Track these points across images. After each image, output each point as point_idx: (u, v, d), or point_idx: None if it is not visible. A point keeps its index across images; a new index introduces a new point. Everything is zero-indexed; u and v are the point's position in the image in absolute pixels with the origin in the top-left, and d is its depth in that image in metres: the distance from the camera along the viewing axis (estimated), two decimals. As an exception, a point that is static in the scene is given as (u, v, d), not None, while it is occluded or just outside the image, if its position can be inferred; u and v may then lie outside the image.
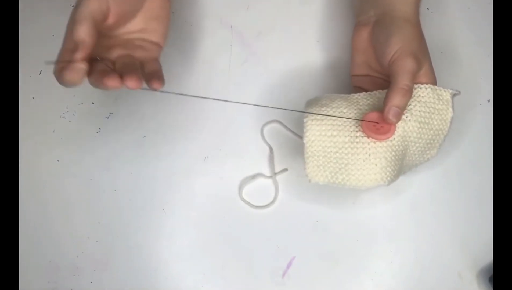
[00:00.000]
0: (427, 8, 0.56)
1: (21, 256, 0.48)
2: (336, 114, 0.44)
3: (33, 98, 0.54)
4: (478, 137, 0.53)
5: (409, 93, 0.42)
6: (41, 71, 0.54)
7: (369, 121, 0.43)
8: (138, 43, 0.45)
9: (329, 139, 0.44)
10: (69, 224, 0.52)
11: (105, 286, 0.51)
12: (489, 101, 0.54)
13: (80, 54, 0.38)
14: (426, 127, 0.45)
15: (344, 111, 0.45)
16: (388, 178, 0.44)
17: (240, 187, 0.52)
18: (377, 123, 0.43)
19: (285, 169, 0.53)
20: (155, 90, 0.41)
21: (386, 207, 0.52)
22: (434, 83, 0.45)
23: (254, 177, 0.52)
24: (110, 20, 0.42)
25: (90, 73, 0.39)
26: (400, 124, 0.43)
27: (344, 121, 0.44)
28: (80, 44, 0.38)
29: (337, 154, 0.44)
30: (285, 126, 0.53)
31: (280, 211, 0.52)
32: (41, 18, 0.56)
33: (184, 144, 0.53)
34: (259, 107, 0.54)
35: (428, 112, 0.45)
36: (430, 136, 0.46)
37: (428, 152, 0.47)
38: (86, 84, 0.55)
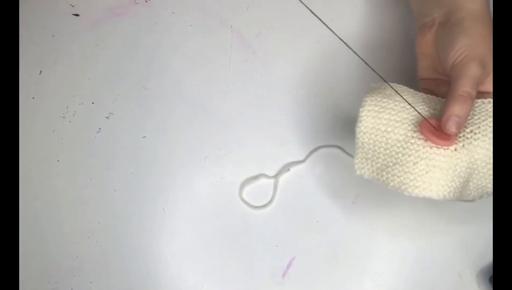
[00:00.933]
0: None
1: (21, 256, 0.48)
2: (397, 108, 0.41)
3: (33, 98, 0.54)
4: (478, 137, 0.53)
5: (470, 101, 0.38)
6: (41, 71, 0.54)
7: (429, 122, 0.39)
8: None
9: (382, 134, 0.41)
10: (69, 224, 0.52)
11: (105, 286, 0.51)
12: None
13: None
14: None
15: (407, 107, 0.41)
16: (439, 192, 0.40)
17: (241, 187, 0.52)
18: (437, 129, 0.39)
19: (287, 169, 0.53)
20: None
21: (386, 207, 0.52)
22: None
23: (256, 177, 0.52)
24: None
25: None
26: (465, 137, 0.40)
27: (403, 118, 0.41)
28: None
29: (387, 151, 0.41)
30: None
31: (280, 211, 0.52)
32: (41, 18, 0.56)
33: (184, 144, 0.53)
34: (259, 106, 0.54)
35: None
36: None
37: None
38: (86, 84, 0.55)
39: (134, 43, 0.56)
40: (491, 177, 0.41)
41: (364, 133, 0.42)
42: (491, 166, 0.41)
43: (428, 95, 0.44)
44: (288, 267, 0.51)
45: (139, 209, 0.52)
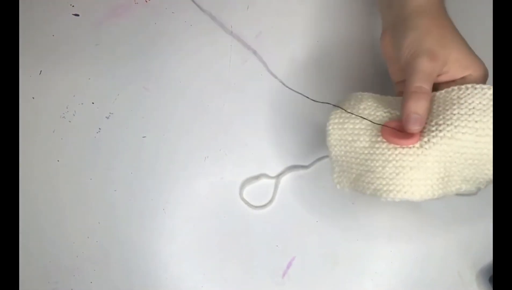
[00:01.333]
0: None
1: (21, 256, 0.48)
2: (361, 117, 0.41)
3: (33, 98, 0.54)
4: (478, 137, 0.53)
5: (424, 95, 0.38)
6: (41, 71, 0.54)
7: (388, 126, 0.39)
8: None
9: (349, 144, 0.41)
10: (69, 224, 0.52)
11: (105, 286, 0.51)
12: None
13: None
14: (478, 133, 0.38)
15: (372, 113, 0.41)
16: (415, 192, 0.38)
17: (241, 187, 0.52)
18: (400, 129, 0.39)
19: (289, 170, 0.53)
20: None
21: (386, 207, 0.52)
22: (474, 69, 0.40)
23: (257, 177, 0.53)
24: None
25: None
26: (430, 131, 0.38)
27: (367, 126, 0.41)
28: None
29: (358, 160, 0.41)
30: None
31: (280, 211, 0.52)
32: (41, 18, 0.56)
33: (184, 144, 0.53)
34: (259, 106, 0.54)
35: (477, 115, 0.38)
36: (485, 144, 0.38)
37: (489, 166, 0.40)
38: (86, 84, 0.55)
39: (134, 43, 0.56)
40: (480, 167, 0.40)
41: (334, 146, 0.43)
42: (471, 155, 0.39)
43: (396, 97, 0.43)
44: (288, 267, 0.51)
45: (139, 209, 0.52)
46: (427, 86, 0.38)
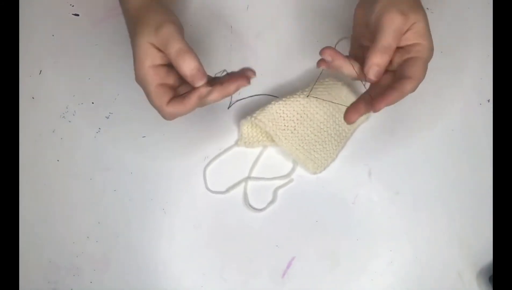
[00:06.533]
0: (427, 8, 0.55)
1: (21, 256, 0.48)
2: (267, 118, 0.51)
3: (33, 98, 0.54)
4: (478, 137, 0.53)
5: (390, 52, 0.41)
6: (41, 71, 0.54)
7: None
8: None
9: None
10: (69, 224, 0.52)
11: (105, 286, 0.51)
12: (489, 101, 0.54)
13: (203, 80, 0.40)
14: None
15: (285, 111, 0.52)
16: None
17: (241, 187, 0.52)
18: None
19: (292, 180, 0.53)
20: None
21: (386, 207, 0.52)
22: (427, 40, 0.42)
23: (257, 177, 0.53)
24: None
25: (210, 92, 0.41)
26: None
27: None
28: (198, 70, 0.40)
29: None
30: None
31: (280, 211, 0.52)
32: (41, 18, 0.56)
33: (184, 144, 0.53)
34: (259, 107, 0.54)
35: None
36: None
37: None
38: (86, 84, 0.55)
39: (134, 43, 0.56)
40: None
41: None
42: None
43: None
44: (288, 267, 0.51)
45: (139, 209, 0.52)
46: (394, 44, 0.41)
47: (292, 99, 0.51)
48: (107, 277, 0.51)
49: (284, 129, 0.51)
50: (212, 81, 0.42)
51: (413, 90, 0.41)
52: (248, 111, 0.52)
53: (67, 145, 0.53)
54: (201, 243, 0.52)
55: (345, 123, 0.50)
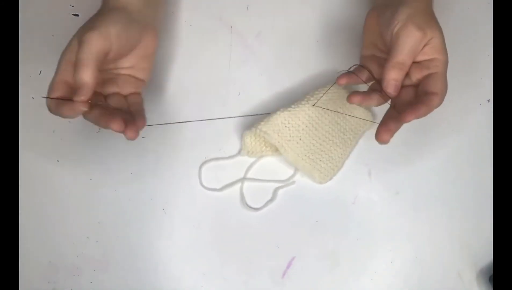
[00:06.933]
0: (427, 8, 0.56)
1: (21, 256, 0.48)
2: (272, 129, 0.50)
3: (33, 98, 0.54)
4: (478, 137, 0.53)
5: (405, 67, 0.43)
6: (41, 71, 0.54)
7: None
8: (126, 79, 0.46)
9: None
10: (69, 224, 0.52)
11: (105, 286, 0.51)
12: (489, 101, 0.54)
13: (83, 97, 0.39)
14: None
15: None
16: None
17: (241, 187, 0.52)
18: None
19: (293, 182, 0.53)
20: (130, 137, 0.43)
21: (386, 207, 0.52)
22: (443, 54, 0.44)
23: (257, 177, 0.53)
24: (109, 56, 0.42)
25: (89, 112, 0.41)
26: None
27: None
28: (85, 87, 0.39)
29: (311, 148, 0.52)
30: None
31: (280, 211, 0.52)
32: (41, 18, 0.56)
33: (184, 144, 0.53)
34: (259, 107, 0.54)
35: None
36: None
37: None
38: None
39: (134, 43, 0.56)
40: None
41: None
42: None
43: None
44: (288, 267, 0.51)
45: (139, 209, 0.52)
46: (410, 60, 0.43)
47: (297, 109, 0.50)
48: (107, 277, 0.51)
49: (289, 140, 0.50)
50: (106, 102, 0.43)
51: (440, 104, 0.42)
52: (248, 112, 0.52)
53: (67, 145, 0.53)
54: (201, 243, 0.52)
55: (350, 131, 0.52)
